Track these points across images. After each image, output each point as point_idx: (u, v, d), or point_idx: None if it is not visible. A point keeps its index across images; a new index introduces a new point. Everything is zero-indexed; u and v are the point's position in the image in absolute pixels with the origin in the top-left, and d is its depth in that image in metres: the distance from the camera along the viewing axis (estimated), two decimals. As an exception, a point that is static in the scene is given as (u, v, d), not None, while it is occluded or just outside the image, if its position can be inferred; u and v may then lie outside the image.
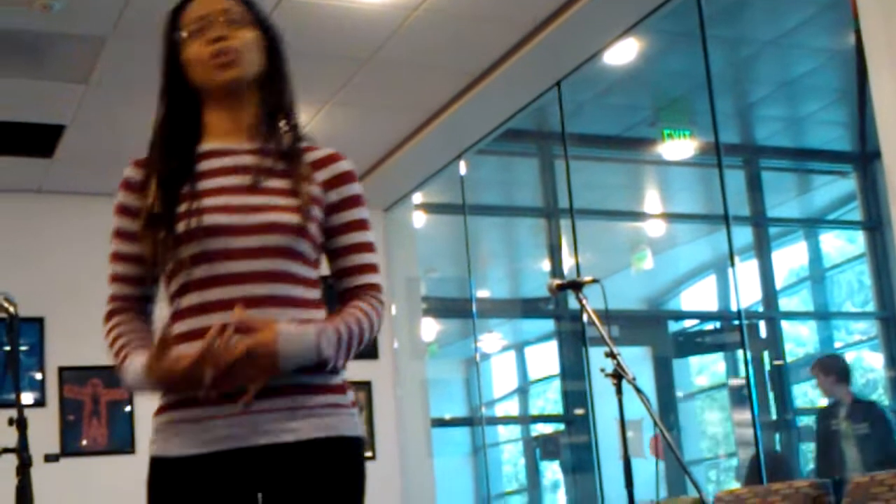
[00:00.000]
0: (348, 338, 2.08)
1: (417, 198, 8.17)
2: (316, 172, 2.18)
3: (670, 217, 9.93)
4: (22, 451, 3.56)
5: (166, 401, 2.08)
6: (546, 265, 9.04)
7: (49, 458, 4.84)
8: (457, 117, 6.52)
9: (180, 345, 2.02)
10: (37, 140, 6.44)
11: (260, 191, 2.10)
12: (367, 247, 2.23)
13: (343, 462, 2.07)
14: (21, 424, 3.59)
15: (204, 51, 2.15)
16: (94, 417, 7.04)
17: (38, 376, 6.94)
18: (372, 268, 2.23)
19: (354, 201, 2.22)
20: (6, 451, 3.57)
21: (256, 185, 2.11)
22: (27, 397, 6.73)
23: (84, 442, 7.01)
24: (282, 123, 2.24)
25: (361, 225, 2.23)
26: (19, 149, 6.56)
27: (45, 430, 6.78)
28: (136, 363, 2.04)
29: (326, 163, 2.20)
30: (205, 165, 2.14)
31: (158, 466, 2.07)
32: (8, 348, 3.75)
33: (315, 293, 2.15)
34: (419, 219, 8.52)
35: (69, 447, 6.92)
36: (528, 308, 10.21)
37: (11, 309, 3.69)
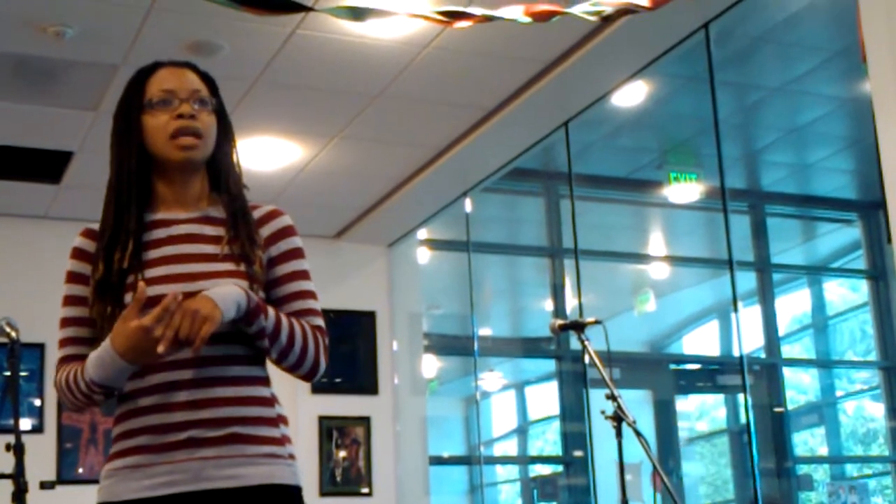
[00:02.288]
0: (277, 319, 2.15)
1: (422, 234, 8.18)
2: (259, 229, 2.26)
3: (674, 260, 9.92)
4: (18, 477, 3.54)
5: (115, 450, 2.17)
6: (549, 305, 9.02)
7: (45, 486, 4.81)
8: (464, 155, 6.54)
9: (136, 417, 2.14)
10: (45, 166, 6.46)
11: (203, 258, 2.19)
12: (308, 294, 2.29)
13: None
14: (18, 450, 3.57)
15: (170, 124, 2.21)
16: (91, 445, 7.02)
17: (37, 402, 6.92)
18: (316, 312, 2.30)
19: (295, 254, 2.29)
20: (2, 476, 3.55)
21: (200, 253, 2.19)
22: (25, 423, 6.71)
23: (80, 470, 6.98)
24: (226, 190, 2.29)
25: (303, 275, 2.30)
26: (27, 174, 6.58)
27: (42, 456, 6.76)
28: (99, 348, 2.09)
29: (268, 220, 2.29)
30: (152, 235, 2.21)
31: None
32: (8, 373, 3.74)
33: (261, 370, 2.23)
34: (423, 255, 8.52)
35: (66, 474, 6.90)
36: (530, 347, 10.19)
37: (13, 334, 3.69)
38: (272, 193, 6.94)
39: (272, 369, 2.25)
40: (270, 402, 2.21)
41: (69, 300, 2.26)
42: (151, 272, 2.16)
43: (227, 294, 2.08)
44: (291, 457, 2.20)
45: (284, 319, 2.17)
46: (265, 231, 2.26)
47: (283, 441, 2.19)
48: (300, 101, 5.89)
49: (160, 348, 2.01)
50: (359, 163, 6.73)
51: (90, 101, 5.69)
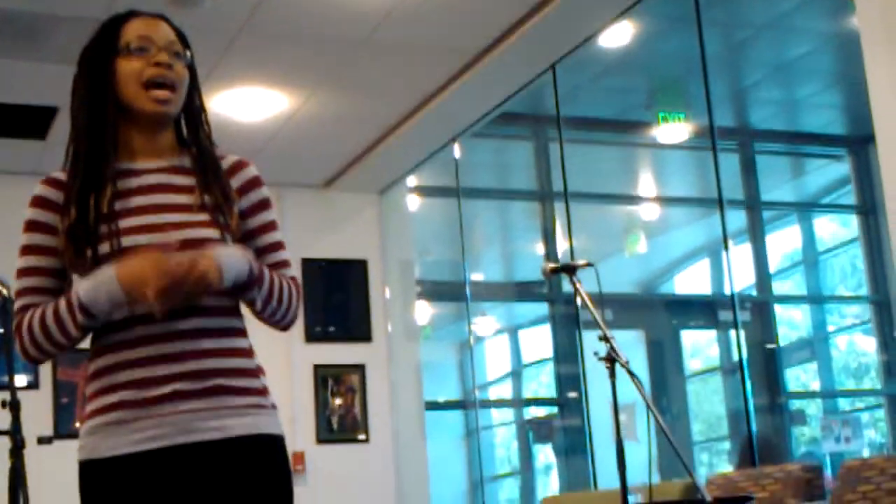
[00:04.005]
0: (270, 280, 2.17)
1: (412, 181, 8.16)
2: (228, 180, 2.25)
3: (664, 200, 9.94)
4: (15, 433, 3.56)
5: (93, 406, 2.13)
6: (540, 248, 9.04)
7: (42, 441, 4.85)
8: (451, 100, 6.51)
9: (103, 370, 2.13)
10: (30, 122, 6.43)
11: (175, 208, 2.16)
12: (280, 245, 2.30)
13: (270, 457, 2.17)
14: (14, 407, 3.60)
15: (146, 70, 2.17)
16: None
17: (31, 365, 6.94)
18: (287, 264, 2.30)
19: (264, 205, 2.28)
20: (0, 433, 3.58)
21: (173, 203, 2.17)
22: (21, 380, 6.72)
23: (77, 424, 7.01)
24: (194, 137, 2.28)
25: (273, 226, 2.30)
26: (13, 131, 6.55)
27: (38, 412, 6.79)
28: (94, 275, 2.06)
29: (235, 170, 2.27)
30: (120, 185, 2.17)
31: (90, 468, 2.13)
32: (1, 331, 3.75)
33: (240, 321, 2.22)
34: (413, 202, 8.52)
35: (62, 429, 6.92)
36: (522, 291, 10.22)
37: (5, 292, 3.69)
38: (259, 144, 6.92)
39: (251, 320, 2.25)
40: (250, 353, 2.20)
41: (30, 249, 2.19)
42: (125, 222, 2.12)
43: (232, 265, 2.07)
44: (273, 406, 2.20)
45: (275, 281, 2.18)
46: (234, 182, 2.24)
47: (264, 391, 2.19)
48: (284, 51, 5.85)
49: (155, 308, 2.01)
50: (346, 111, 6.70)
51: (72, 56, 5.64)
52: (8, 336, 3.78)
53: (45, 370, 6.98)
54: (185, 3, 5.09)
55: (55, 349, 2.13)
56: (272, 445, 2.17)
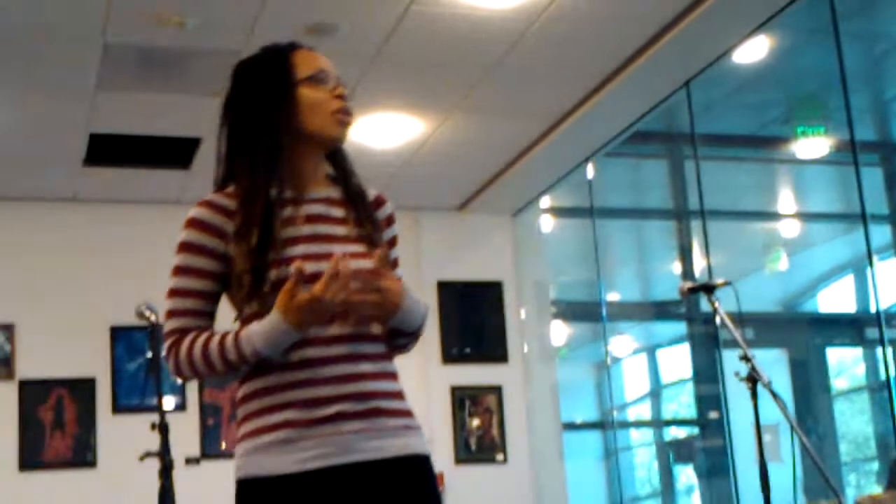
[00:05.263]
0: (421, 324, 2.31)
1: (545, 202, 8.16)
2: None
3: (805, 217, 9.72)
4: (164, 454, 3.68)
5: (255, 425, 2.16)
6: (677, 267, 8.92)
7: (190, 461, 4.99)
8: (584, 120, 6.49)
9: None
10: (175, 153, 6.64)
11: (336, 239, 2.22)
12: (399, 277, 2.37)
13: (422, 477, 2.20)
14: (164, 429, 3.71)
15: (332, 102, 2.24)
16: (233, 421, 7.21)
17: (179, 382, 7.13)
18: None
19: (395, 242, 2.37)
20: (150, 455, 3.70)
21: (333, 234, 2.22)
22: (168, 402, 6.92)
23: (223, 445, 7.18)
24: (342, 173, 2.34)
25: (397, 264, 2.36)
26: (158, 161, 6.77)
27: (186, 434, 6.97)
28: (262, 323, 2.10)
29: (379, 205, 2.35)
30: (288, 213, 2.21)
31: (252, 486, 2.14)
32: (150, 355, 3.88)
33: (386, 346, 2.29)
34: (547, 223, 8.51)
35: (209, 450, 7.10)
36: (659, 311, 10.09)
37: (152, 317, 3.82)
38: (394, 168, 7.01)
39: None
40: (397, 377, 2.26)
41: (185, 271, 2.20)
42: (292, 251, 2.16)
43: (413, 302, 2.20)
44: (420, 427, 2.25)
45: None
46: (379, 216, 2.32)
47: (412, 413, 2.24)
48: (418, 76, 5.93)
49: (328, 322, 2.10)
50: (479, 134, 6.74)
51: (215, 88, 5.81)
52: (156, 360, 3.90)
53: (192, 393, 7.18)
54: (320, 32, 5.20)
55: (213, 376, 2.18)
56: (423, 465, 2.21)
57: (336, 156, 2.32)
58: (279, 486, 2.11)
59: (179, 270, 2.21)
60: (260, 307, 2.14)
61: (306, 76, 2.23)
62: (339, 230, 2.23)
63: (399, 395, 2.23)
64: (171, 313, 2.22)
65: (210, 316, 2.23)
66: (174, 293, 2.22)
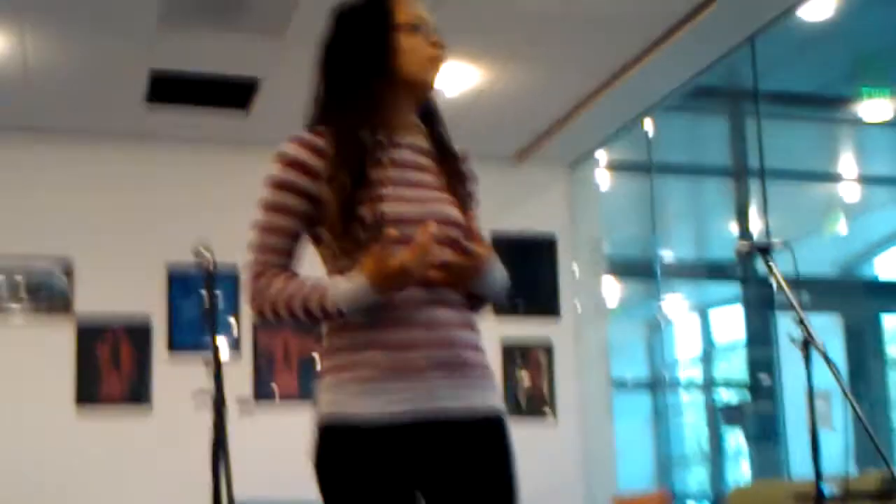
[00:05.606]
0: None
1: (602, 155, 8.09)
2: None
3: (867, 180, 9.57)
4: (218, 392, 3.72)
5: (342, 361, 2.17)
6: (734, 227, 8.84)
7: (242, 402, 5.04)
8: (644, 74, 6.41)
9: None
10: (233, 94, 6.65)
11: (424, 185, 2.25)
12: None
13: (502, 433, 2.25)
14: (217, 368, 3.76)
15: (429, 49, 2.29)
16: (285, 366, 7.27)
17: (233, 323, 7.19)
18: None
19: (474, 197, 2.41)
20: (202, 392, 3.74)
21: (421, 181, 2.26)
22: (223, 344, 6.98)
23: (276, 388, 7.23)
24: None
25: (476, 218, 2.38)
26: (217, 102, 6.78)
27: (238, 375, 7.04)
28: (347, 283, 2.11)
29: (463, 160, 2.39)
30: (377, 155, 2.23)
31: (334, 423, 2.15)
32: (206, 295, 3.91)
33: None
34: (603, 177, 8.45)
35: (261, 392, 7.16)
36: (714, 271, 10.01)
37: (209, 256, 3.85)
38: (451, 117, 6.97)
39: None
40: (476, 328, 2.28)
41: (277, 208, 2.22)
42: (380, 191, 2.18)
43: (496, 271, 2.27)
44: (496, 383, 2.28)
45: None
46: (462, 169, 2.37)
47: (490, 368, 2.27)
48: (476, 25, 5.88)
49: (433, 273, 2.13)
50: (537, 84, 6.70)
51: (275, 28, 5.80)
52: (213, 301, 3.94)
53: (246, 336, 7.23)
54: (382, -22, 5.17)
55: (294, 324, 2.20)
56: (502, 422, 2.25)
57: (427, 106, 2.37)
58: (362, 425, 2.12)
59: (269, 206, 2.23)
60: (341, 249, 2.17)
61: (405, 22, 2.27)
62: (426, 178, 2.27)
63: (479, 348, 2.25)
64: (258, 249, 2.23)
65: (292, 255, 2.25)
66: (264, 229, 2.24)
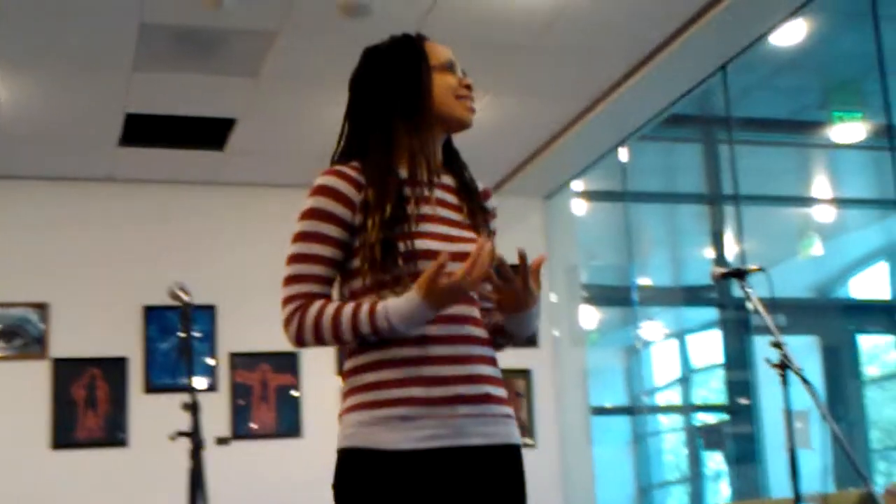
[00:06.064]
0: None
1: (578, 185, 8.12)
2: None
3: (840, 202, 9.63)
4: (195, 434, 3.69)
5: (374, 398, 2.18)
6: (709, 252, 8.87)
7: (221, 441, 5.00)
8: (618, 103, 6.45)
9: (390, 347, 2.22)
10: (209, 133, 6.65)
11: (452, 223, 2.30)
12: None
13: (518, 467, 2.29)
14: (195, 409, 3.72)
15: (460, 89, 2.36)
16: (262, 402, 7.23)
17: (211, 362, 7.16)
18: None
19: (494, 234, 2.45)
20: (181, 434, 3.71)
21: (450, 218, 2.31)
22: (200, 382, 6.96)
23: (254, 425, 7.21)
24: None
25: None
26: (193, 142, 6.78)
27: (216, 414, 7.00)
28: (399, 300, 2.14)
29: (485, 198, 2.45)
30: (416, 191, 2.29)
31: (359, 457, 2.17)
32: (182, 335, 3.89)
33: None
34: (579, 206, 8.47)
35: (240, 430, 7.13)
36: (691, 296, 10.04)
37: (186, 297, 3.83)
38: (427, 150, 6.99)
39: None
40: (497, 363, 2.31)
41: (314, 237, 2.24)
42: (420, 227, 2.24)
43: (539, 310, 2.32)
44: (514, 416, 2.32)
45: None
46: (486, 207, 2.43)
47: (510, 401, 2.30)
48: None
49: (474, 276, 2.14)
50: (512, 115, 6.72)
51: (250, 68, 5.81)
52: (188, 340, 3.92)
53: (223, 373, 7.20)
54: (355, 13, 5.17)
55: (337, 344, 2.22)
56: (518, 455, 2.29)
57: (449, 147, 2.41)
58: (389, 461, 2.13)
59: (307, 236, 2.25)
60: (374, 281, 2.20)
61: (439, 63, 2.36)
62: (454, 216, 2.32)
63: (501, 383, 2.28)
64: (296, 279, 2.25)
65: (331, 283, 2.27)
66: (301, 258, 2.25)
